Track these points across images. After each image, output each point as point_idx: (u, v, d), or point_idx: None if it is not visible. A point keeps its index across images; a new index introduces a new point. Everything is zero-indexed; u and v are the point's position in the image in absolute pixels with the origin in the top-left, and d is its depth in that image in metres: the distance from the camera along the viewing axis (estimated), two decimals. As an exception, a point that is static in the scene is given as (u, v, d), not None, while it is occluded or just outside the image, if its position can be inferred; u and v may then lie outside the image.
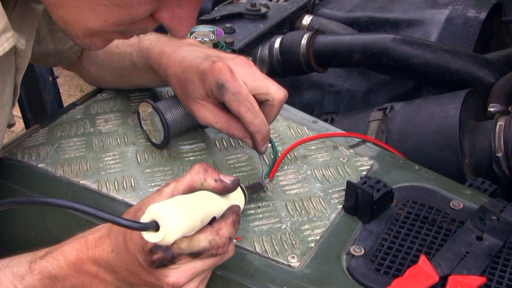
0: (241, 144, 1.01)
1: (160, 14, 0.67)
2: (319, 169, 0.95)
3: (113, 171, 0.95)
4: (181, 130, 1.01)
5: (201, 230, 0.67)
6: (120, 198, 0.90)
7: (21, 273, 0.71)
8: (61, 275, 0.71)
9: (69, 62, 1.11)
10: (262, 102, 0.87)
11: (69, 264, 0.71)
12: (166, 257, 0.65)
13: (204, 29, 1.37)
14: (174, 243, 0.65)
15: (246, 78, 0.86)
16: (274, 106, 0.87)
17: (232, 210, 0.72)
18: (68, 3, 0.64)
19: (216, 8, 1.49)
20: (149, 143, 1.01)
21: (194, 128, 1.05)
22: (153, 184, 0.92)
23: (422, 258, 0.74)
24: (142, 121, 1.01)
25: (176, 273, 0.67)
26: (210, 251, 0.67)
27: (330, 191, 0.90)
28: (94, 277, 0.71)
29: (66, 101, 2.33)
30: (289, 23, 1.51)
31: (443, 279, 0.73)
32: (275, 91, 0.86)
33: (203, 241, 0.67)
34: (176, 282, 0.67)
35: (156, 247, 0.65)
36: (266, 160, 0.97)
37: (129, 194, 0.90)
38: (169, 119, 0.96)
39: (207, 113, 0.89)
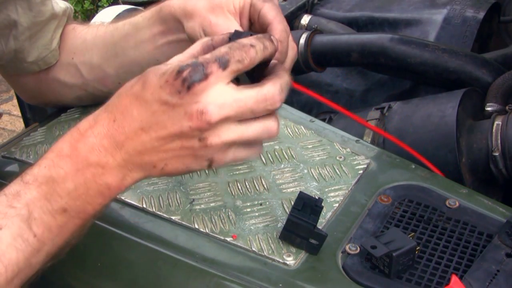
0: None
1: None
2: (316, 167, 0.95)
3: (110, 169, 0.95)
4: None
5: None
6: (117, 196, 0.90)
7: (15, 191, 0.64)
8: (59, 175, 0.65)
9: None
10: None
11: (65, 159, 0.65)
12: (196, 67, 0.62)
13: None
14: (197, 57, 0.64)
15: None
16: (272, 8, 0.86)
17: None
18: None
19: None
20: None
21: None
22: (150, 182, 0.92)
23: (454, 279, 0.72)
24: None
25: (205, 97, 0.62)
26: (233, 56, 0.63)
27: (326, 189, 0.90)
28: (96, 166, 0.65)
29: (66, 100, 2.33)
30: (288, 23, 1.51)
31: (477, 300, 0.71)
32: None
33: (223, 47, 0.64)
34: (204, 108, 0.62)
35: (183, 66, 0.62)
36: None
37: (126, 192, 0.90)
38: None
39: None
